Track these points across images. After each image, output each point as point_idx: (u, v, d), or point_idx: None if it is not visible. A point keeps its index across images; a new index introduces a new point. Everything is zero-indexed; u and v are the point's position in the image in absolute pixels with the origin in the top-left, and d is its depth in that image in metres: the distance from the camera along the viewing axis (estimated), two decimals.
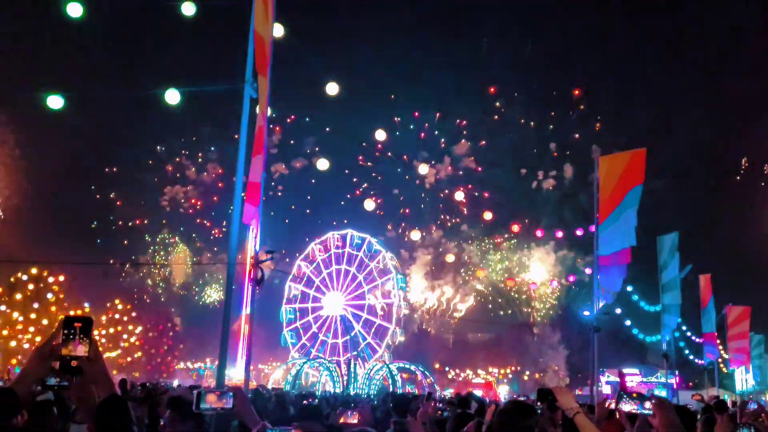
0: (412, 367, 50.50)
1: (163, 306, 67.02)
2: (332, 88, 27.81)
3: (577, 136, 72.96)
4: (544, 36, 74.22)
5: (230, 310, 15.79)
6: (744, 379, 53.92)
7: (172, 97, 19.15)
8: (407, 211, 72.69)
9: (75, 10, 21.17)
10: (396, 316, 52.07)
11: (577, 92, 75.02)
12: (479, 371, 66.21)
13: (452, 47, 78.97)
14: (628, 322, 58.85)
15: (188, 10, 20.81)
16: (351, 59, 68.77)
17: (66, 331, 2.97)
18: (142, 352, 61.36)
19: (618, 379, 43.69)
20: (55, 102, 18.79)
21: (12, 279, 55.88)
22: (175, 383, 54.51)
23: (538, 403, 6.04)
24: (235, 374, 45.41)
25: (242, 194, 16.53)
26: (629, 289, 57.06)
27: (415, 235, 40.96)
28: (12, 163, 57.38)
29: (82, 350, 2.96)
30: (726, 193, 66.85)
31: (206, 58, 63.29)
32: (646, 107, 69.17)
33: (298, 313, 55.34)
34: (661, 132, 66.24)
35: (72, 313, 42.77)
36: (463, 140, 74.97)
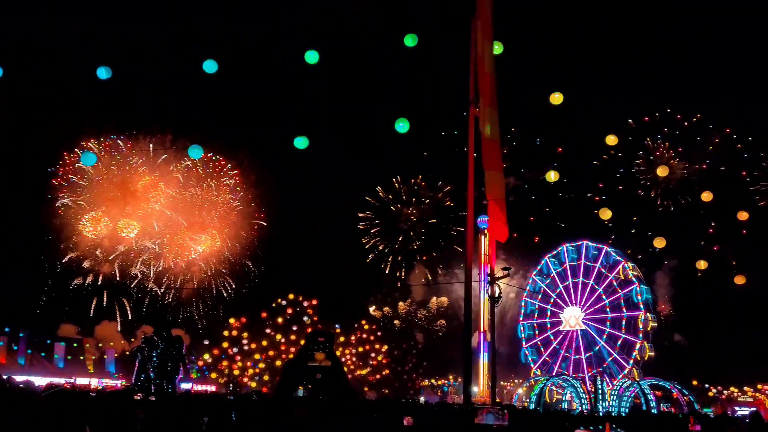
0: (667, 385, 46.93)
1: (405, 325, 70.09)
2: (556, 99, 27.21)
3: None
4: None
5: (470, 329, 16.12)
6: None
7: (403, 126, 20.18)
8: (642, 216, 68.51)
9: (312, 57, 23.31)
10: (643, 329, 48.90)
11: None
12: (746, 387, 59.63)
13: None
14: None
15: (411, 41, 21.83)
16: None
17: (312, 345, 3.33)
18: (389, 369, 64.46)
19: None
20: (301, 144, 20.89)
21: (273, 305, 62.34)
22: (422, 399, 56.58)
23: None
24: (478, 391, 45.99)
25: (473, 211, 16.86)
26: None
27: (659, 242, 38.08)
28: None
29: (326, 362, 3.30)
30: None
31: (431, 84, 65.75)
32: None
33: (536, 329, 54.41)
34: None
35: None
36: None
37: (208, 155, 54.70)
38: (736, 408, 54.27)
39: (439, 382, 68.19)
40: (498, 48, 20.50)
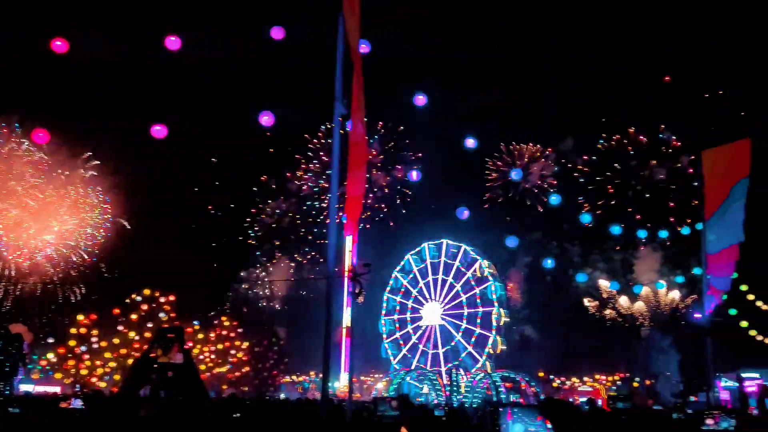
0: (516, 376, 49.59)
1: (268, 321, 69.05)
2: (421, 101, 28.00)
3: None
4: None
5: (331, 324, 16.19)
6: None
7: (267, 120, 19.92)
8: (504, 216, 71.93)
9: (173, 44, 22.41)
10: (496, 324, 51.41)
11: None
12: (585, 378, 64.26)
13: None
14: (744, 323, 55.44)
15: (277, 34, 21.57)
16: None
17: (161, 342, 3.19)
18: (249, 366, 63.35)
19: (737, 384, 41.30)
20: (159, 132, 19.97)
21: (127, 300, 59.24)
22: (282, 396, 56.15)
23: None
24: (338, 386, 46.26)
25: (337, 207, 16.94)
26: (744, 287, 53.81)
27: (511, 241, 40.32)
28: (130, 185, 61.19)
29: (178, 359, 3.17)
30: None
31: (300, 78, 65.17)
32: None
33: (397, 324, 55.70)
34: None
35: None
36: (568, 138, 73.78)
37: (54, 142, 50.60)
38: (577, 397, 58.28)
39: (300, 379, 67.92)
40: (365, 47, 20.74)
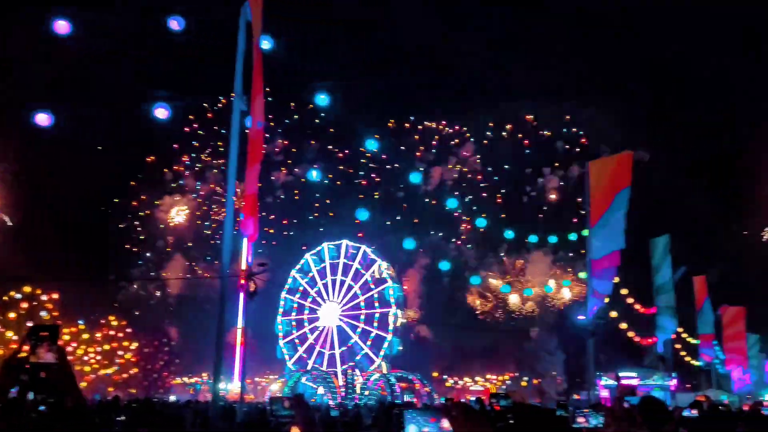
0: (411, 376, 50.41)
1: (159, 321, 66.76)
2: (323, 99, 27.92)
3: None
4: None
5: (224, 324, 15.82)
6: (741, 379, 53.95)
7: (162, 112, 19.23)
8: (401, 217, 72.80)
9: (63, 27, 21.23)
10: (392, 326, 52.05)
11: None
12: (477, 378, 66.13)
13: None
14: (623, 325, 58.90)
15: (177, 25, 20.89)
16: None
17: (33, 341, 3.00)
18: (138, 368, 61.07)
19: (615, 383, 43.75)
20: (43, 119, 18.83)
21: (5, 297, 55.68)
22: (172, 398, 54.37)
23: None
24: (231, 388, 45.32)
25: (233, 203, 16.56)
26: (624, 291, 57.16)
27: (409, 243, 41.22)
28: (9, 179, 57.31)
29: (50, 358, 3.00)
30: (719, 194, 67.05)
31: (202, 71, 63.26)
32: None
33: (294, 325, 55.28)
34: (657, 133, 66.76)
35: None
36: (468, 144, 75.28)
37: None
38: (468, 396, 59.86)
39: (192, 380, 66.06)
40: (266, 44, 20.46)
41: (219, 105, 67.08)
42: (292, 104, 65.16)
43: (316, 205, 72.39)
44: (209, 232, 73.07)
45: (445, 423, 4.07)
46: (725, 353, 47.60)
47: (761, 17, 65.91)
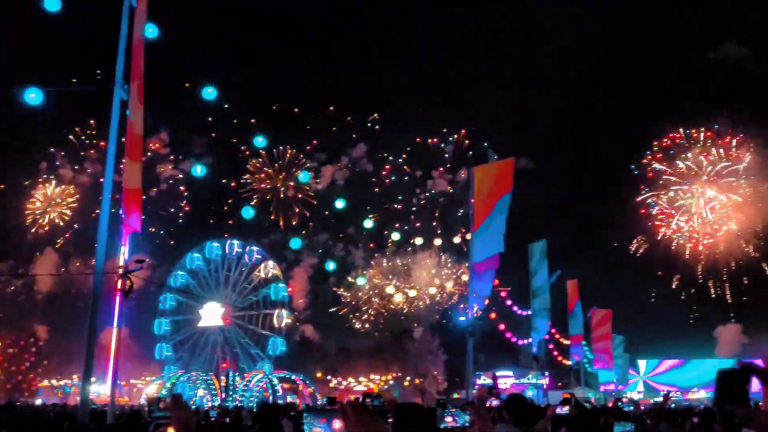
0: (294, 377, 50.03)
1: (24, 320, 62.50)
2: (209, 93, 27.17)
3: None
4: None
5: (96, 323, 15.03)
6: (606, 378, 57.51)
7: (34, 97, 18.03)
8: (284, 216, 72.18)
9: None
10: (277, 326, 51.47)
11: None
12: (361, 378, 66.58)
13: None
14: (502, 326, 61.27)
15: (53, 5, 19.67)
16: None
17: None
18: (1, 370, 56.96)
19: (492, 382, 45.35)
20: None
21: None
22: (38, 401, 51.04)
23: None
24: (104, 390, 43.12)
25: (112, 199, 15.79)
26: (503, 294, 59.47)
27: (295, 242, 41.00)
28: None
29: None
30: (592, 201, 71.19)
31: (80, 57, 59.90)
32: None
33: (174, 325, 53.44)
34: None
35: None
36: (360, 144, 75.41)
37: None
38: (351, 396, 60.12)
39: (61, 383, 62.31)
40: (152, 31, 19.63)
41: (97, 92, 63.66)
42: (177, 97, 62.84)
43: (201, 201, 70.49)
44: (79, 226, 69.25)
45: (337, 424, 4.05)
46: (593, 353, 50.53)
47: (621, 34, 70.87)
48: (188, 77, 58.35)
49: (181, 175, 71.25)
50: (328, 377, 66.15)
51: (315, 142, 74.81)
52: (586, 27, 67.45)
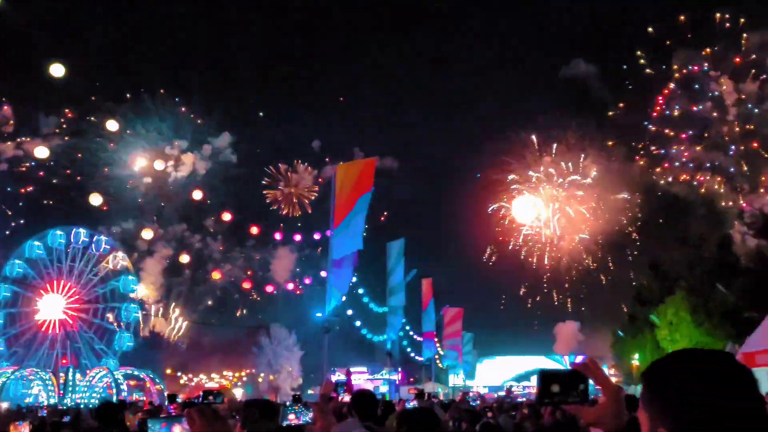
0: (142, 374, 47.88)
1: None
2: (57, 70, 25.32)
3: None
4: None
5: None
6: (456, 373, 60.07)
7: None
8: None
9: None
10: (125, 319, 49.14)
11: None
12: (213, 375, 64.97)
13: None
14: (358, 323, 62.18)
15: None
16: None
17: None
18: None
19: (346, 378, 45.88)
20: None
21: None
22: None
23: None
24: None
25: None
26: (360, 291, 60.36)
27: (147, 234, 39.08)
28: None
29: None
30: (450, 203, 74.10)
31: None
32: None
33: (9, 318, 49.44)
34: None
35: None
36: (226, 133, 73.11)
37: None
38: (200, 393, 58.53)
39: None
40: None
41: None
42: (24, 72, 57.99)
43: (46, 185, 65.51)
44: None
45: (176, 429, 3.91)
46: (444, 349, 52.56)
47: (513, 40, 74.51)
48: (42, 54, 53.84)
49: (24, 156, 65.85)
50: (179, 374, 63.93)
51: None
52: (454, 40, 70.13)
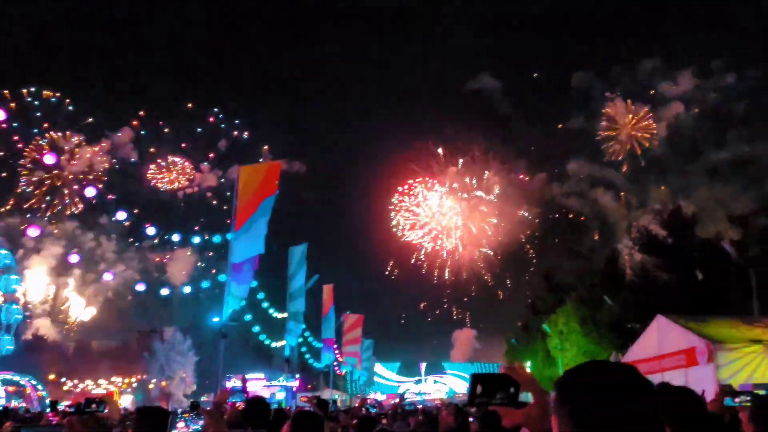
0: (22, 380, 45.14)
1: None
2: None
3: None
4: None
5: None
6: (354, 380, 60.09)
7: None
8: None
9: None
10: (5, 321, 46.37)
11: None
12: (101, 381, 62.02)
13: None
14: (257, 328, 61.13)
15: None
16: None
17: None
18: None
19: (242, 384, 45.07)
20: None
21: None
22: None
23: None
24: None
25: None
26: (260, 296, 59.42)
27: (33, 231, 36.64)
28: None
29: None
30: (352, 211, 74.34)
31: None
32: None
33: None
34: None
35: None
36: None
37: None
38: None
39: None
40: None
41: None
42: None
43: None
44: None
45: None
46: (343, 356, 52.45)
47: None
48: None
49: None
50: (63, 379, 60.57)
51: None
52: (366, 46, 70.29)
